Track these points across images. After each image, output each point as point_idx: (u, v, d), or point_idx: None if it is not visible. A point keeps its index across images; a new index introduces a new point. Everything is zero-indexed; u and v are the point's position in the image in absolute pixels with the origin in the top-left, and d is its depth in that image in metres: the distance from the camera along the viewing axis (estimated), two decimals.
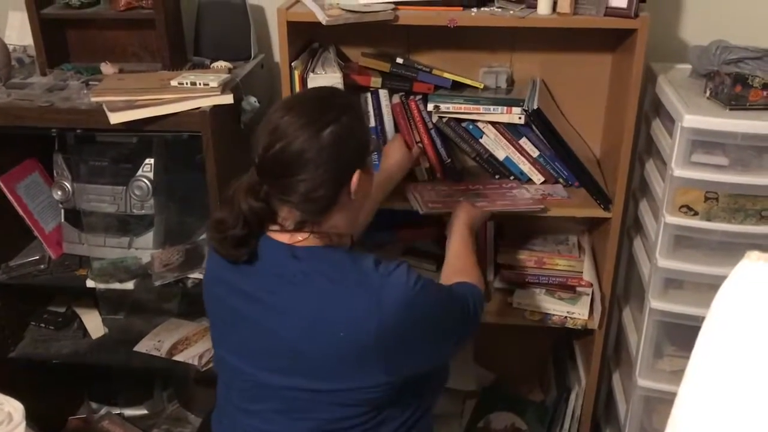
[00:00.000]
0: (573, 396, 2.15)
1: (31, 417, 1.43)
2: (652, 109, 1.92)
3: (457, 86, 1.94)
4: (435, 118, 1.92)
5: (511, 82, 1.99)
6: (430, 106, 1.88)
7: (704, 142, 1.63)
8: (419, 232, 2.08)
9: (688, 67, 1.86)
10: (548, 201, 1.86)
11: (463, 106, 1.88)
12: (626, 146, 1.78)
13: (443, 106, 1.88)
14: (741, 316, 0.70)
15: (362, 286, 1.27)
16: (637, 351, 1.88)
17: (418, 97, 1.93)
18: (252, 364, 1.35)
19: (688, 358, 0.78)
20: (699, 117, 1.60)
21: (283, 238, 1.32)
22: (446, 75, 1.92)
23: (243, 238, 1.30)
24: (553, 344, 2.38)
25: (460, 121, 1.92)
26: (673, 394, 0.80)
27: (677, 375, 0.71)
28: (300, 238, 1.31)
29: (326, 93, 1.41)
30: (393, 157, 1.86)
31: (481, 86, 1.93)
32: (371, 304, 1.25)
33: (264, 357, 1.33)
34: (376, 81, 1.90)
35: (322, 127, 1.27)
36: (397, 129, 1.95)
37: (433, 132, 1.95)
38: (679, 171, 1.65)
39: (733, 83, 1.61)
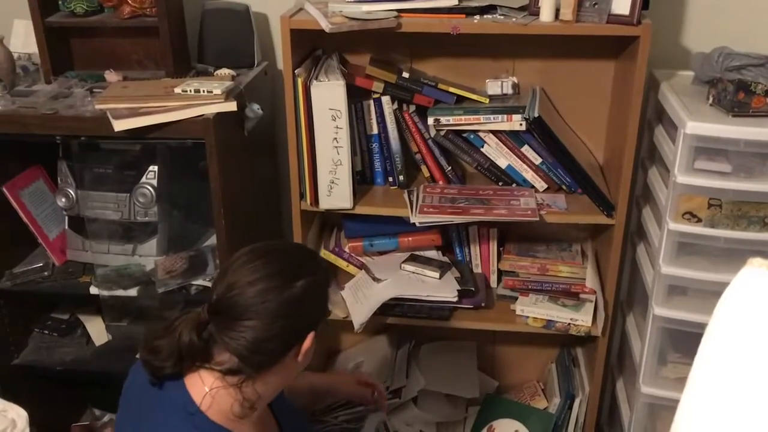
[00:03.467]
0: (577, 403, 2.15)
1: (34, 424, 1.43)
2: (655, 116, 1.92)
3: (459, 99, 1.94)
4: (433, 132, 1.93)
5: (517, 89, 1.99)
6: (431, 120, 1.89)
7: (707, 149, 1.63)
8: (421, 239, 2.08)
9: (690, 74, 1.86)
10: (546, 211, 1.86)
11: (463, 117, 1.88)
12: (629, 153, 1.78)
13: (443, 119, 1.88)
14: (743, 323, 0.70)
15: None
16: (641, 358, 1.88)
17: (412, 109, 1.94)
18: None
19: (692, 365, 0.78)
20: (702, 124, 1.60)
21: (198, 390, 1.27)
22: (452, 90, 1.92)
23: (168, 373, 1.28)
24: (557, 351, 2.38)
25: (459, 132, 1.93)
26: (677, 401, 0.80)
27: (681, 382, 0.71)
28: (208, 405, 1.26)
29: (297, 250, 1.40)
30: (342, 384, 1.80)
31: (486, 101, 1.93)
32: None
33: None
34: (378, 86, 1.90)
35: (291, 280, 1.25)
36: (401, 137, 1.96)
37: (430, 142, 1.96)
38: (682, 178, 1.65)
39: (735, 90, 1.61)
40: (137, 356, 1.36)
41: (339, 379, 1.80)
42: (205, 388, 1.27)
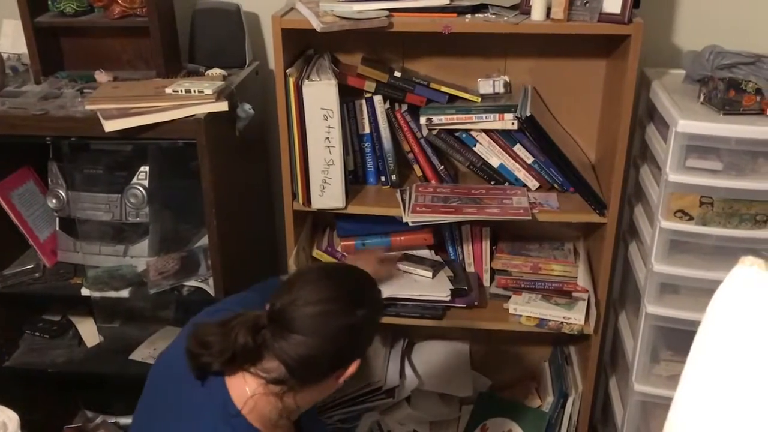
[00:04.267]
0: (570, 401, 2.15)
1: (26, 426, 1.42)
2: (647, 114, 1.93)
3: (451, 98, 1.94)
4: (426, 132, 1.93)
5: (509, 88, 1.99)
6: (423, 119, 1.89)
7: (698, 147, 1.64)
8: (414, 238, 2.07)
9: (681, 72, 1.86)
10: (538, 210, 1.86)
11: (455, 116, 1.88)
12: (621, 151, 1.78)
13: (435, 119, 1.88)
14: (735, 321, 0.70)
15: None
16: (634, 356, 1.88)
17: (404, 108, 1.94)
18: None
19: (684, 362, 0.78)
20: (693, 122, 1.61)
21: (240, 393, 1.29)
22: (443, 89, 1.92)
23: (213, 370, 1.29)
24: (550, 350, 2.38)
25: (452, 131, 1.92)
26: (670, 399, 0.80)
27: (674, 380, 0.71)
28: (249, 409, 1.28)
29: (362, 279, 1.40)
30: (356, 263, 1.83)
31: (478, 100, 1.93)
32: None
33: None
34: (370, 85, 1.90)
35: (352, 308, 1.30)
36: (393, 136, 1.96)
37: (423, 142, 1.95)
38: (673, 176, 1.65)
39: (726, 88, 1.61)
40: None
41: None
42: (247, 390, 1.29)
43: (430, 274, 2.00)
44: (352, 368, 1.33)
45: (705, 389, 0.73)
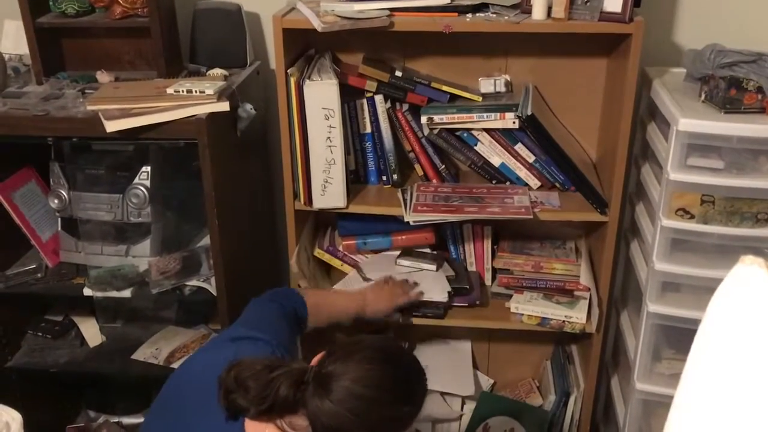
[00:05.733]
0: (572, 400, 2.15)
1: (28, 426, 1.43)
2: (648, 113, 1.93)
3: (452, 97, 1.94)
4: (427, 131, 1.93)
5: (510, 87, 1.99)
6: (424, 119, 1.89)
7: (700, 146, 1.64)
8: (415, 237, 2.08)
9: (682, 71, 1.86)
10: (540, 209, 1.86)
11: (456, 115, 1.88)
12: (622, 150, 1.78)
13: (437, 118, 1.88)
14: (736, 321, 0.70)
15: None
16: (635, 354, 1.88)
17: (405, 107, 1.94)
18: None
19: (686, 361, 0.78)
20: (694, 121, 1.61)
21: None
22: (444, 88, 1.92)
23: (246, 414, 1.28)
24: (552, 348, 2.38)
25: (453, 130, 1.92)
26: (672, 398, 0.80)
27: (675, 378, 0.72)
28: None
29: (418, 374, 1.38)
30: (376, 304, 1.87)
31: (480, 99, 1.93)
32: None
33: None
34: (371, 85, 1.90)
35: (398, 403, 1.29)
36: (394, 135, 1.96)
37: (424, 141, 1.95)
38: (675, 174, 1.65)
39: (727, 87, 1.61)
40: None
41: (368, 298, 1.87)
42: None
43: (434, 267, 2.01)
44: None
45: (705, 388, 0.73)
